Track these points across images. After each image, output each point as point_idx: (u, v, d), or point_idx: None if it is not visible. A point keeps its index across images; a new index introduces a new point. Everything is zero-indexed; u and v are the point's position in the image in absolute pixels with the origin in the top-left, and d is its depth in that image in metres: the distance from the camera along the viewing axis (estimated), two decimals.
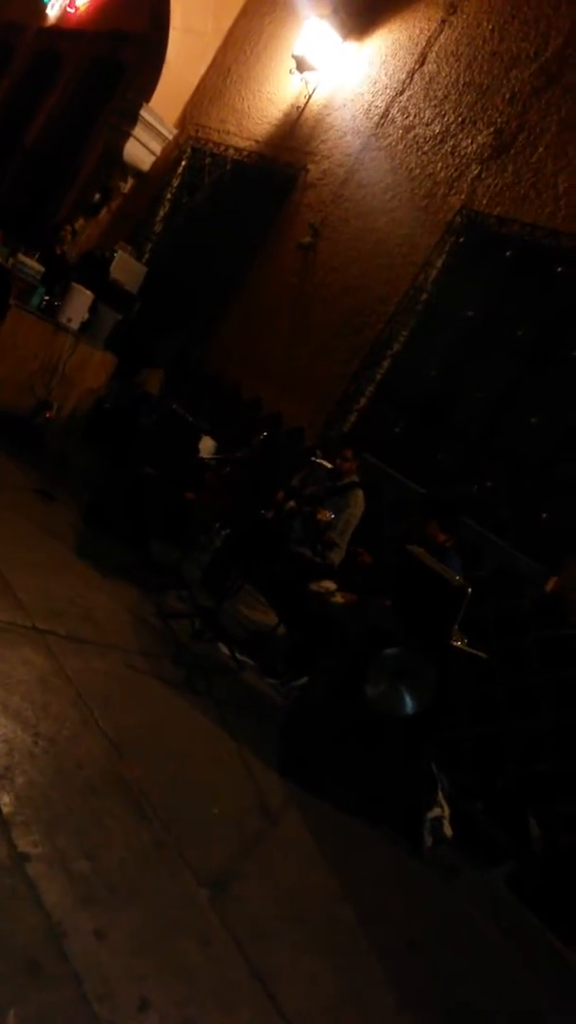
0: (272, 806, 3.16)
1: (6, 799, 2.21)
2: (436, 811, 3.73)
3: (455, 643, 3.57)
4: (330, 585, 4.62)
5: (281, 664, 4.50)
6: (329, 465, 5.08)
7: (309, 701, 3.93)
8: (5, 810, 2.17)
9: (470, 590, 3.42)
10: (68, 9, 11.84)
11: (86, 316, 6.15)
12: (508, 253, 5.59)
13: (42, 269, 6.24)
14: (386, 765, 3.55)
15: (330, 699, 3.63)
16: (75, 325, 6.02)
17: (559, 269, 5.25)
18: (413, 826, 3.67)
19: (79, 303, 6.06)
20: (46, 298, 5.98)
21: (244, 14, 9.06)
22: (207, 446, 5.96)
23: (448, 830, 3.75)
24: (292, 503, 5.08)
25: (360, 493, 4.98)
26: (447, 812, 3.79)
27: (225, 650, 4.29)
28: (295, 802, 3.28)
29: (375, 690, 3.43)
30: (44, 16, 12.33)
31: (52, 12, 12.19)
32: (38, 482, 5.03)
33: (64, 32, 11.80)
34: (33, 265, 6.18)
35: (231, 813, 2.92)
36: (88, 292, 6.15)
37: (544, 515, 4.83)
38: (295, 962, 2.39)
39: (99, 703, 2.97)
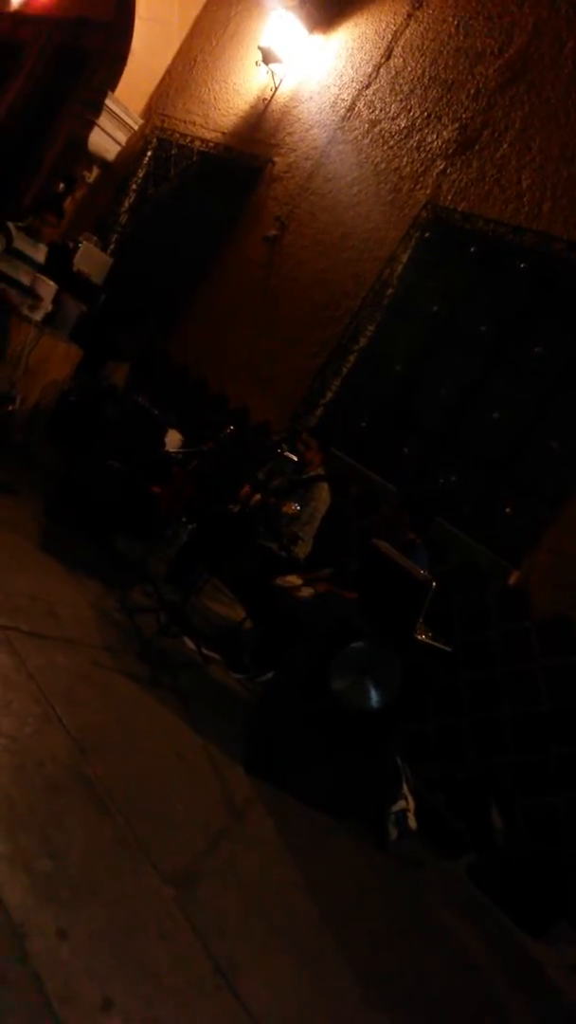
0: (237, 802, 3.15)
1: None
2: (400, 804, 3.76)
3: (420, 637, 3.60)
4: (295, 579, 4.62)
5: (247, 659, 4.49)
6: (295, 458, 5.07)
7: (275, 696, 3.93)
8: None
9: (434, 584, 3.44)
10: None
11: (50, 307, 6.06)
12: (473, 249, 5.62)
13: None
14: (352, 759, 3.57)
15: (296, 694, 3.63)
16: (39, 316, 5.93)
17: (522, 265, 5.29)
18: (378, 819, 3.69)
19: (43, 294, 5.96)
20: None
21: (210, 4, 8.97)
22: (173, 440, 5.92)
23: (413, 823, 3.78)
24: (257, 496, 5.07)
25: (325, 486, 4.99)
26: (412, 805, 3.82)
27: (191, 645, 4.27)
28: (261, 798, 3.28)
29: (341, 684, 3.44)
30: (6, 1, 12.11)
31: None
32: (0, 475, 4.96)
33: (27, 18, 11.58)
34: None
35: (196, 810, 2.91)
36: (51, 283, 6.06)
37: (507, 510, 4.89)
38: (260, 958, 2.40)
39: (62, 700, 2.93)
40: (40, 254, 5.16)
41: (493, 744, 4.42)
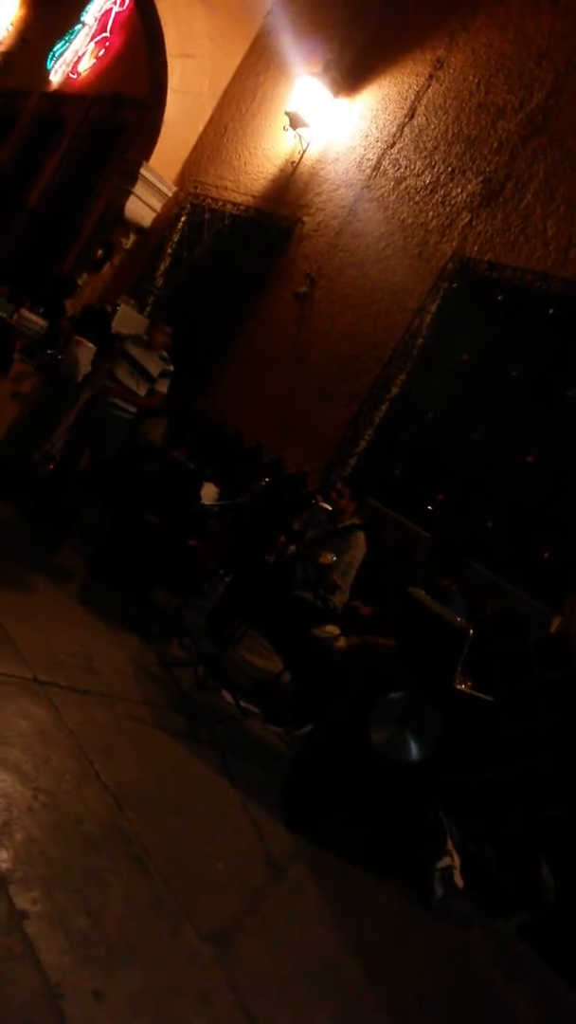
0: (277, 859, 3.11)
1: (4, 855, 2.19)
2: (446, 860, 3.66)
3: (459, 686, 3.54)
4: (333, 630, 4.60)
5: (286, 711, 4.46)
6: (329, 507, 5.09)
7: (314, 749, 3.88)
8: (3, 866, 2.14)
9: (472, 632, 3.40)
10: (70, 75, 12.27)
11: (89, 368, 6.24)
12: (500, 297, 5.68)
13: (45, 324, 6.35)
14: (393, 814, 3.50)
15: (335, 747, 3.59)
16: (78, 377, 6.10)
17: (550, 311, 5.32)
18: (422, 876, 3.60)
19: (82, 356, 6.15)
20: (49, 351, 6.08)
21: (239, 74, 9.35)
22: (209, 493, 5.99)
23: (459, 880, 3.67)
24: (293, 547, 5.09)
25: (361, 535, 4.99)
26: (457, 862, 3.71)
27: (229, 698, 4.26)
28: (301, 854, 3.23)
29: (380, 736, 3.39)
30: (47, 81, 12.79)
31: (55, 78, 12.65)
32: (41, 531, 5.06)
33: (66, 96, 12.21)
34: (36, 320, 6.29)
35: (235, 867, 2.87)
36: (90, 344, 6.25)
37: (545, 555, 4.83)
38: (300, 1021, 2.33)
39: (100, 755, 2.94)
40: (147, 360, 5.57)
41: (540, 796, 4.29)
